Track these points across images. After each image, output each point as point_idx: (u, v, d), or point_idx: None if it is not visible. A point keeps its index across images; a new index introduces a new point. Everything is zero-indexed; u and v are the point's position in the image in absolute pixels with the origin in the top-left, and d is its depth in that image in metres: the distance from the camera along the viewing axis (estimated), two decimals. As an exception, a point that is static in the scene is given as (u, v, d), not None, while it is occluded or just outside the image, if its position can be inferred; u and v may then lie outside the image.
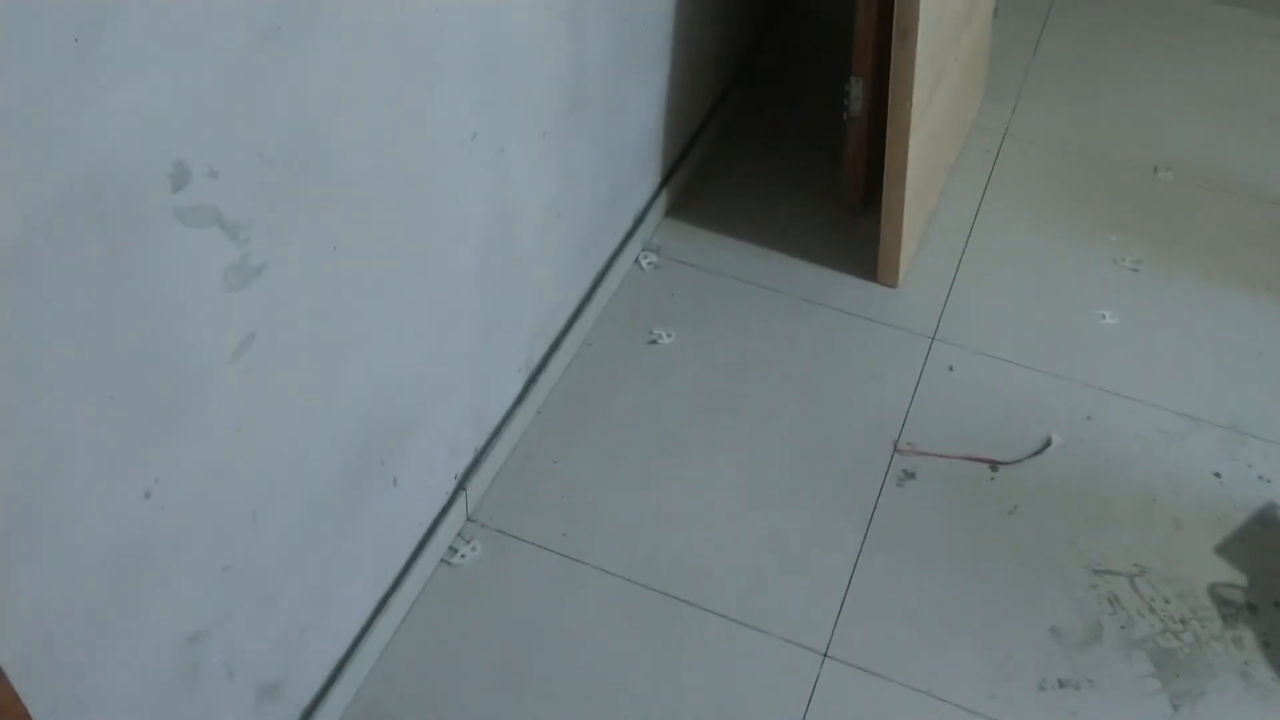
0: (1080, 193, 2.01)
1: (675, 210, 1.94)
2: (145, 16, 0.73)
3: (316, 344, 1.05)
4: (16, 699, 0.67)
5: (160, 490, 0.90)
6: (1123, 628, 1.41)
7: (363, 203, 1.05)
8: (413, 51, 1.04)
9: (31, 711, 0.75)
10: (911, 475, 1.56)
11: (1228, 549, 1.49)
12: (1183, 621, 1.42)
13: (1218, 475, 1.58)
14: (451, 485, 1.44)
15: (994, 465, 1.58)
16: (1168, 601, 1.44)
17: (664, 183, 1.90)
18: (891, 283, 1.82)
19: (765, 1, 2.17)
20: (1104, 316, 1.79)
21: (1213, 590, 1.45)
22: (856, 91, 1.80)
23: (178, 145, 0.80)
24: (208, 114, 0.82)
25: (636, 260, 1.85)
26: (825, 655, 1.37)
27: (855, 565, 1.46)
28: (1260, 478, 1.58)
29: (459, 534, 1.46)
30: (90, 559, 0.85)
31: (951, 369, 1.71)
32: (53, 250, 0.72)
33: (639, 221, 1.84)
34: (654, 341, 1.73)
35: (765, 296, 1.81)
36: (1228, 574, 1.47)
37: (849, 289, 1.82)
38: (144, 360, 0.84)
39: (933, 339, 1.75)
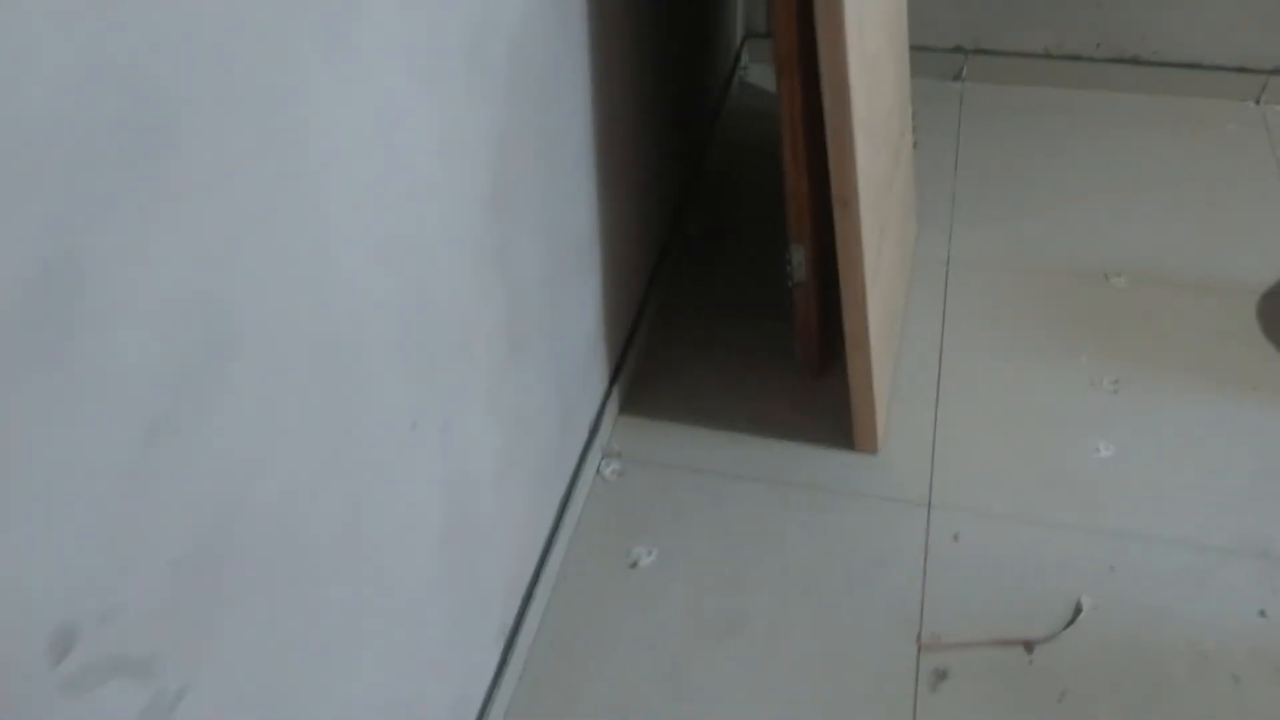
0: (1038, 313, 1.93)
1: (629, 406, 1.81)
2: (16, 480, 0.58)
3: (271, 732, 0.87)
4: None
5: None
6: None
7: (298, 557, 0.89)
8: (340, 369, 0.90)
9: None
10: (944, 675, 1.42)
11: (1295, 697, 1.38)
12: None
13: (1263, 614, 1.46)
14: (444, 796, 1.25)
15: (1029, 646, 1.44)
16: (1251, 775, 1.31)
17: (613, 380, 1.77)
18: (871, 449, 1.71)
19: (682, 171, 2.09)
20: (1098, 449, 1.69)
21: (1294, 751, 1.33)
22: (798, 259, 1.70)
23: (56, 605, 0.63)
24: (95, 545, 0.66)
25: (598, 471, 1.70)
26: None
27: (910, 800, 1.30)
28: (1304, 606, 1.47)
29: None
30: None
31: (956, 538, 1.58)
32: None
33: (594, 430, 1.70)
34: (635, 564, 1.57)
35: (742, 487, 1.67)
36: (1303, 728, 1.35)
37: (828, 463, 1.70)
38: None
39: (929, 506, 1.63)
